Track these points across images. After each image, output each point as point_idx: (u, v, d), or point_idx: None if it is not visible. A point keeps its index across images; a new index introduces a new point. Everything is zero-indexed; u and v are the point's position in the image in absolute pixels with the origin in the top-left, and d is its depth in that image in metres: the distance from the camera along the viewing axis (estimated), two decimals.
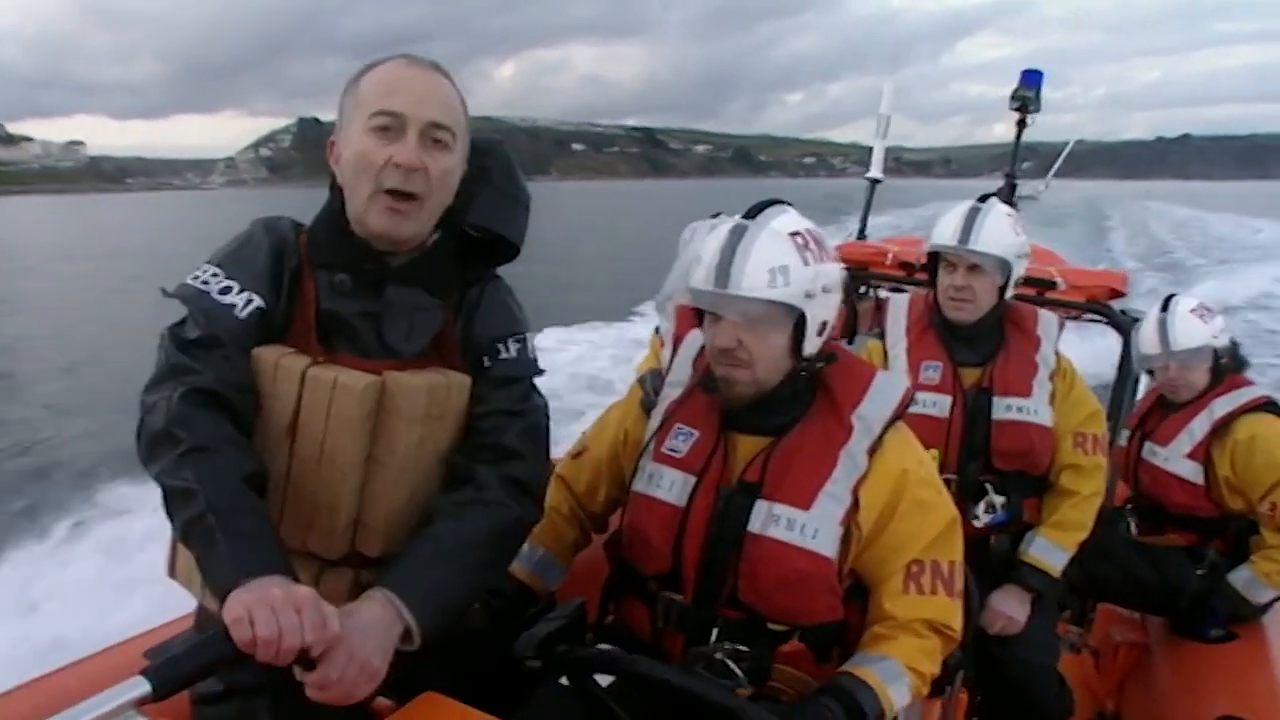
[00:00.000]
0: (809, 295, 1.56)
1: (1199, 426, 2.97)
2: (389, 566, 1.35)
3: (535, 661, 1.70)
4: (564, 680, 1.63)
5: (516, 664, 1.70)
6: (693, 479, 1.66)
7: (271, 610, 1.10)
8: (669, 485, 1.68)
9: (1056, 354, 2.54)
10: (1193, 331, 2.94)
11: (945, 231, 2.49)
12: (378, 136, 1.37)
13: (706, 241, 1.63)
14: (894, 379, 1.76)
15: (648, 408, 1.82)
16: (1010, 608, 2.43)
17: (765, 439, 1.66)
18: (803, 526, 1.58)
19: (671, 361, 1.86)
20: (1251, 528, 2.91)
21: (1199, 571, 2.93)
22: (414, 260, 1.47)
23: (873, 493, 1.61)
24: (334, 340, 1.43)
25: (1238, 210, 44.18)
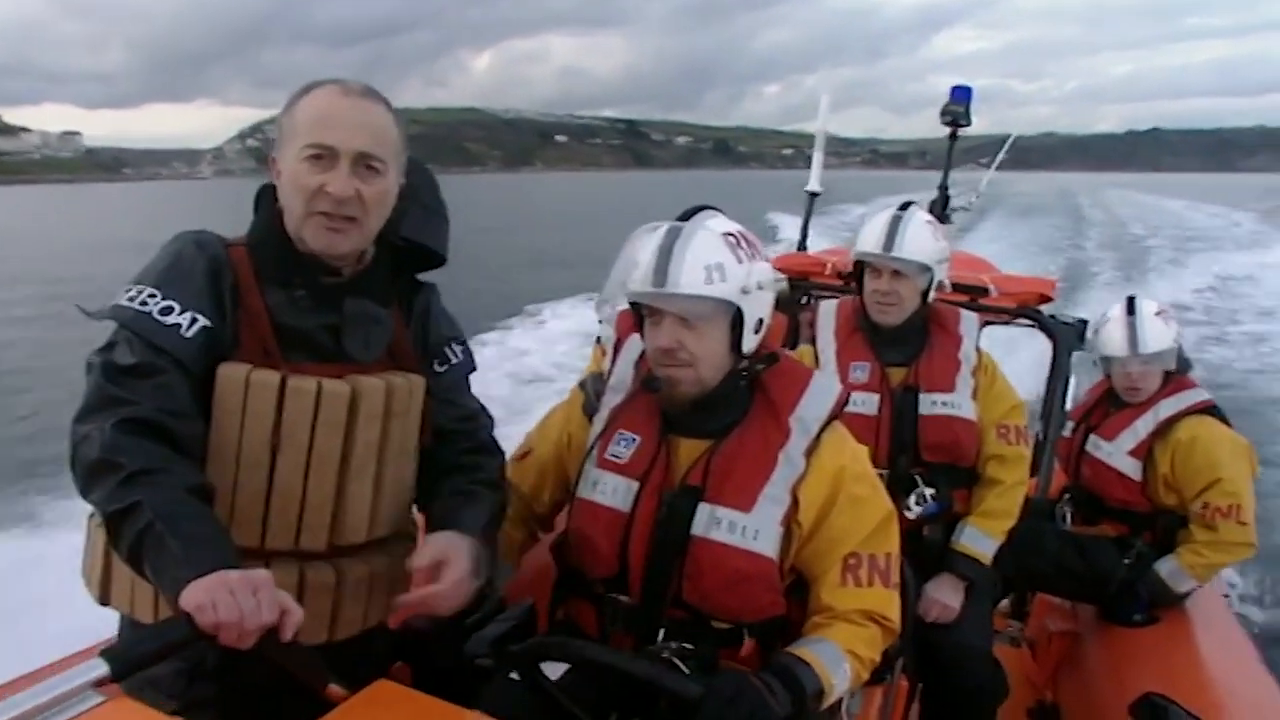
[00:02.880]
0: (745, 291, 1.60)
1: (1144, 426, 3.06)
2: (447, 521, 1.55)
3: (487, 660, 1.69)
4: (514, 675, 1.64)
5: (467, 664, 1.70)
6: (636, 484, 1.69)
7: (231, 594, 1.13)
8: (612, 490, 1.71)
9: (978, 351, 2.63)
10: (1160, 335, 3.02)
11: (869, 239, 2.57)
12: (311, 164, 1.41)
13: (643, 244, 1.66)
14: (830, 381, 1.79)
15: (590, 412, 1.84)
16: (945, 595, 2.51)
17: (706, 442, 1.68)
18: (744, 528, 1.61)
19: (612, 366, 1.87)
20: (1179, 522, 3.01)
21: (1126, 561, 3.02)
22: (362, 274, 1.52)
23: (811, 491, 1.64)
24: (292, 352, 1.45)
25: (1201, 200, 44.85)
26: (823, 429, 1.69)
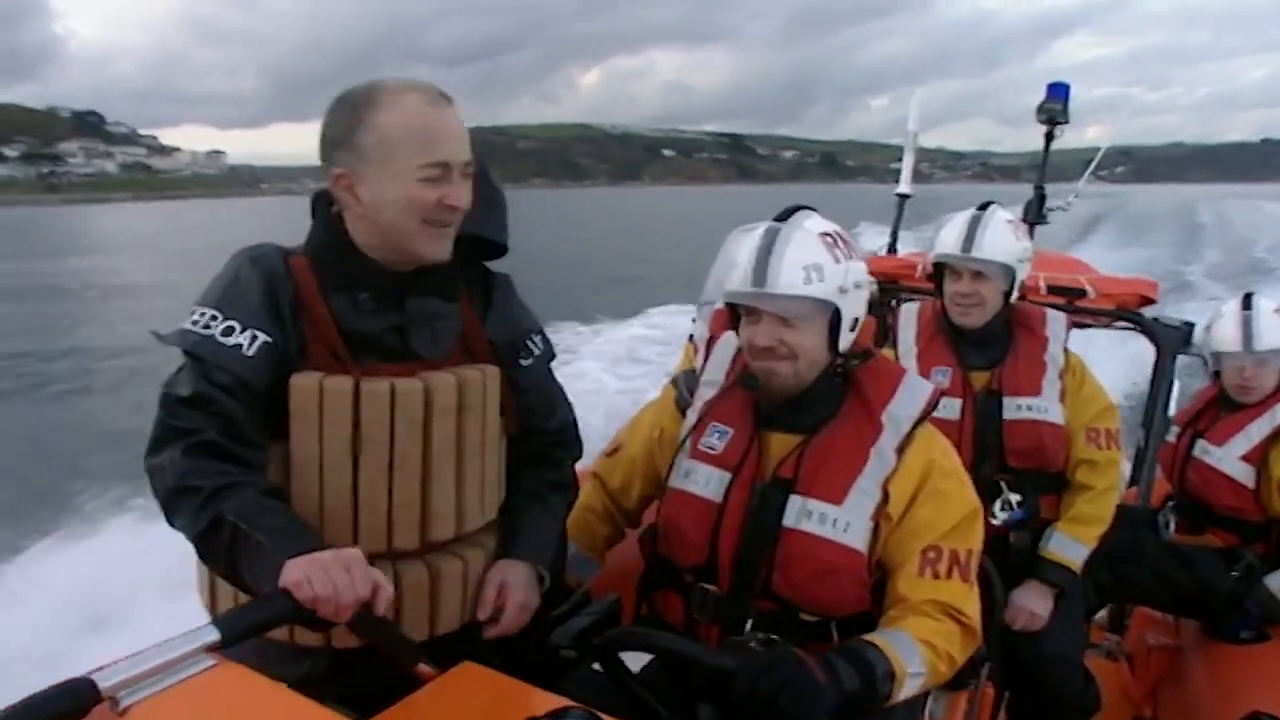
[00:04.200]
0: (842, 290, 1.62)
1: (1258, 429, 2.90)
2: (510, 539, 1.61)
3: (571, 651, 1.71)
4: (595, 666, 1.66)
5: (552, 655, 1.72)
6: (728, 475, 1.70)
7: (324, 570, 1.18)
8: (705, 481, 1.72)
9: (1066, 352, 2.54)
10: (1276, 331, 2.88)
11: (948, 241, 2.51)
12: (427, 184, 1.40)
13: (740, 245, 1.68)
14: (923, 380, 1.80)
15: (683, 407, 1.87)
16: (1033, 603, 2.42)
17: (798, 437, 1.69)
18: (835, 521, 1.62)
19: (705, 363, 1.90)
20: None
21: (1234, 573, 2.85)
22: (423, 273, 1.50)
23: (901, 486, 1.64)
24: (362, 355, 1.46)
25: None
26: (915, 426, 1.69)
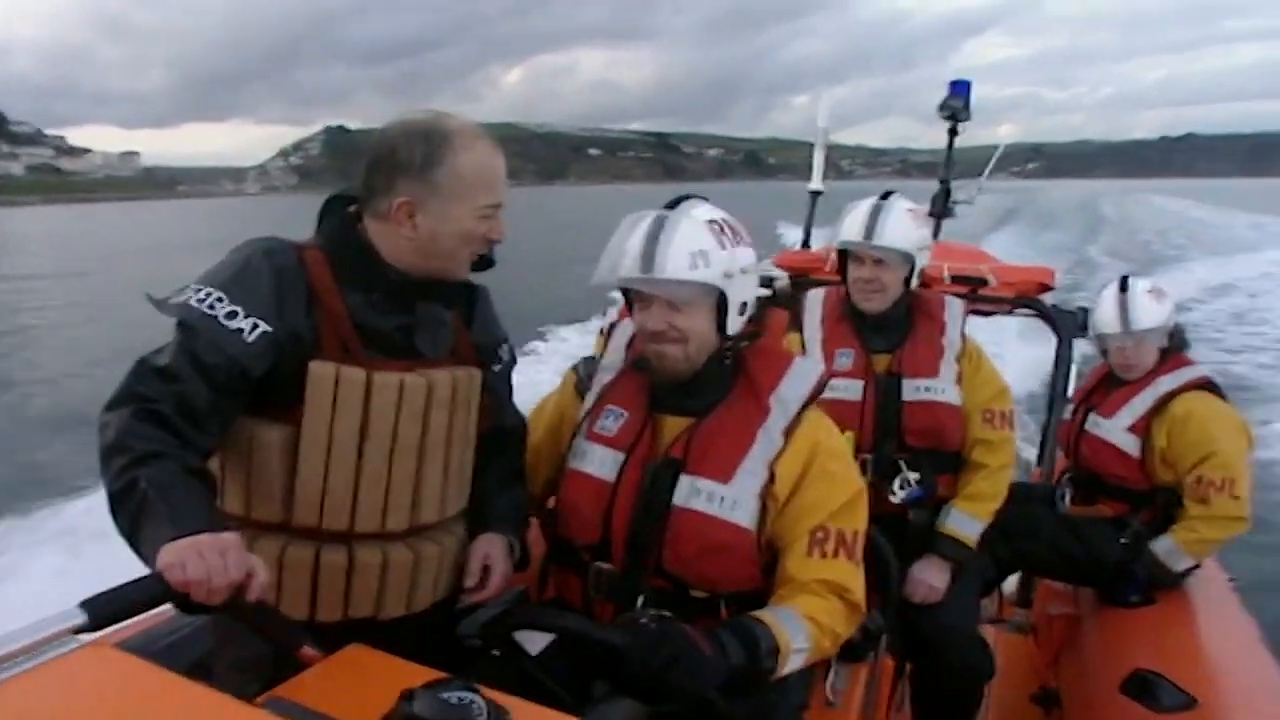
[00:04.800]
0: (728, 275, 1.65)
1: (1142, 402, 3.03)
2: (485, 516, 1.75)
3: (476, 641, 1.72)
4: (495, 652, 1.67)
5: (456, 645, 1.73)
6: (622, 455, 1.74)
7: (199, 554, 1.19)
8: (599, 461, 1.75)
9: (963, 336, 2.61)
10: (1151, 312, 3.00)
11: (851, 229, 2.56)
12: (482, 220, 1.56)
13: (630, 231, 1.70)
14: (811, 364, 1.83)
15: (581, 391, 1.89)
16: (931, 577, 2.48)
17: (689, 419, 1.73)
18: (722, 499, 1.65)
19: (605, 348, 1.93)
20: (1176, 500, 2.96)
21: (1122, 541, 2.97)
22: (434, 282, 1.61)
23: (787, 466, 1.68)
24: (369, 349, 1.55)
25: (1239, 207, 44.33)
26: (803, 409, 1.72)
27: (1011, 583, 3.63)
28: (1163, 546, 2.93)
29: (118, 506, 1.30)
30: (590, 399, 1.85)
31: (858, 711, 2.01)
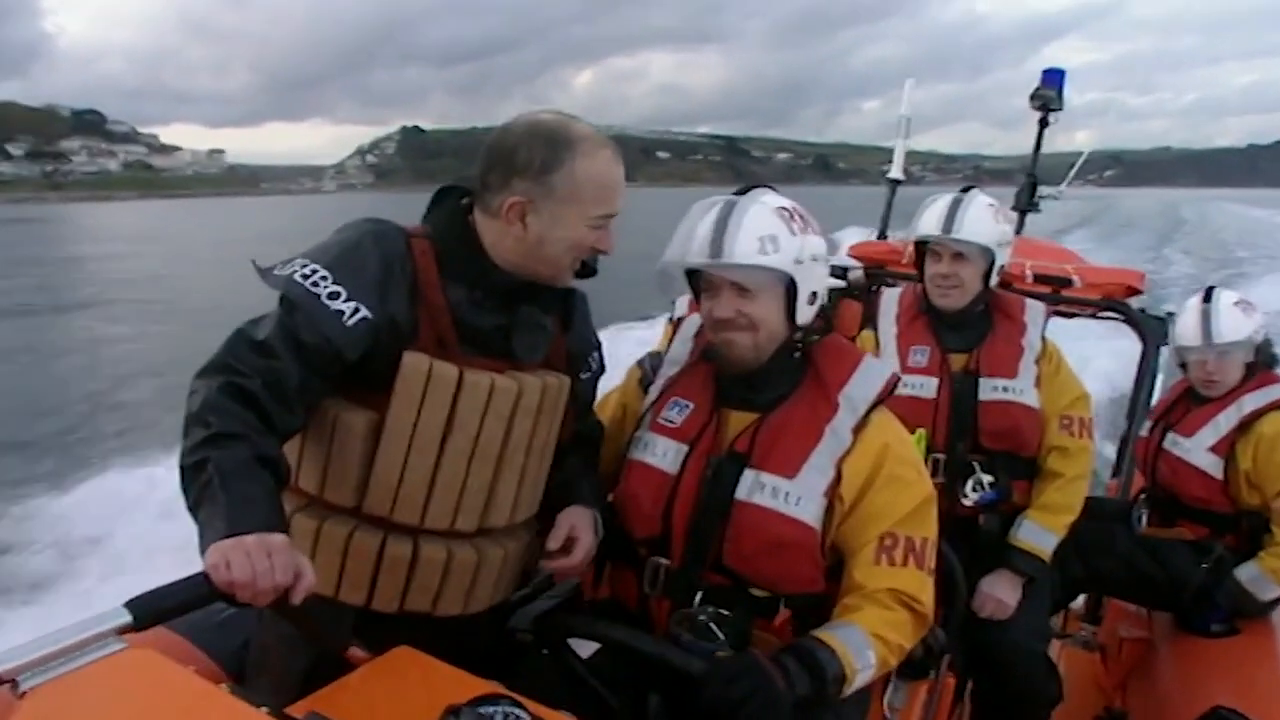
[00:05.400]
0: (798, 262, 1.62)
1: (1226, 421, 2.87)
2: (570, 495, 1.71)
3: (528, 635, 1.73)
4: (544, 651, 1.67)
5: (509, 638, 1.74)
6: (685, 448, 1.70)
7: (246, 555, 1.17)
8: (663, 453, 1.72)
9: (1043, 339, 2.52)
10: (1236, 325, 2.85)
11: (930, 222, 2.49)
12: (592, 230, 1.53)
13: (699, 217, 1.68)
14: (881, 363, 1.79)
15: (645, 385, 1.87)
16: (1000, 591, 2.39)
17: (756, 413, 1.69)
18: (786, 494, 1.61)
19: (671, 341, 1.91)
20: (1263, 525, 2.80)
21: (1204, 566, 2.81)
22: (536, 286, 1.58)
23: (855, 467, 1.63)
24: (465, 345, 1.52)
25: None
26: (871, 409, 1.68)
27: (1080, 597, 3.50)
28: (1248, 573, 2.78)
29: (186, 482, 1.29)
30: (655, 391, 1.83)
31: None
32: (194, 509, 1.27)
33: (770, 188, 1.75)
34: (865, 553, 1.63)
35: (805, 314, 1.68)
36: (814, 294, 1.68)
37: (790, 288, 1.64)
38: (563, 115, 1.54)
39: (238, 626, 1.84)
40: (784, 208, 1.67)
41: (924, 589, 1.65)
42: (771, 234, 1.61)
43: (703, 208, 1.69)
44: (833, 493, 1.62)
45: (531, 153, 1.48)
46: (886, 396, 1.70)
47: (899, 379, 1.75)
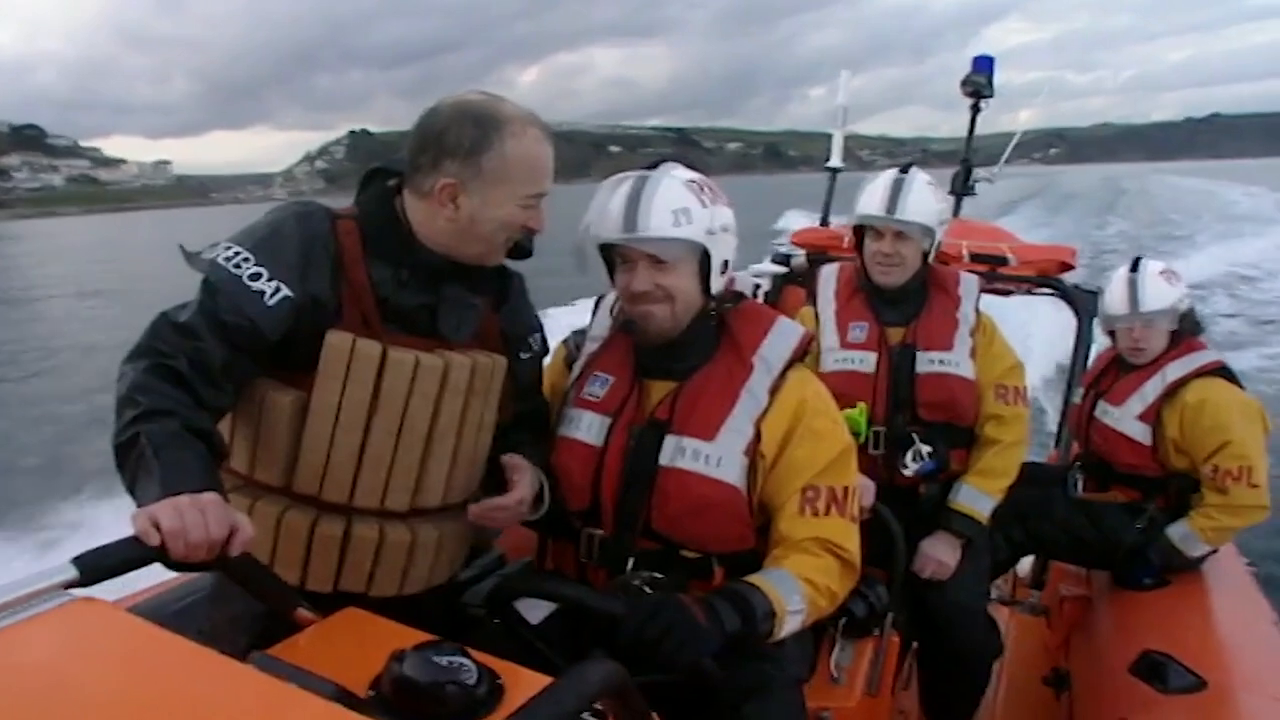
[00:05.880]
0: (710, 232, 1.65)
1: (1151, 389, 2.95)
2: (523, 453, 1.69)
3: (479, 610, 1.75)
4: (496, 621, 1.67)
5: (453, 622, 1.73)
6: (609, 419, 1.73)
7: (176, 510, 1.16)
8: (587, 427, 1.75)
9: (977, 311, 2.58)
10: (1161, 293, 2.92)
11: (872, 202, 2.52)
12: (523, 209, 1.54)
13: (611, 193, 1.69)
14: (793, 324, 1.81)
15: (570, 362, 1.89)
16: (941, 553, 2.46)
17: (675, 382, 1.73)
18: (707, 456, 1.64)
19: (593, 318, 1.93)
20: (1192, 486, 2.90)
21: (1138, 526, 2.91)
22: (463, 265, 1.59)
23: (773, 424, 1.67)
24: (390, 324, 1.53)
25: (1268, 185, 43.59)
26: (787, 368, 1.72)
27: (1026, 564, 3.60)
28: (1178, 532, 2.88)
29: (121, 460, 1.30)
30: (578, 368, 1.86)
31: (862, 688, 1.99)
32: (131, 487, 1.28)
33: (676, 161, 1.78)
34: (789, 506, 1.67)
35: (718, 282, 1.71)
36: (725, 262, 1.71)
37: (704, 258, 1.67)
38: (490, 95, 1.55)
39: (200, 613, 1.86)
40: (693, 180, 1.69)
41: (848, 536, 1.69)
42: (684, 206, 1.64)
43: (614, 183, 1.70)
44: (753, 451, 1.66)
45: (461, 134, 1.49)
46: (801, 355, 1.75)
47: (811, 337, 1.80)
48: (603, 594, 1.60)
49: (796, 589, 1.60)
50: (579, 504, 1.74)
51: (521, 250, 1.68)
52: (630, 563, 1.68)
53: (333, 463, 1.50)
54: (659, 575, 1.65)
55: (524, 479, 1.63)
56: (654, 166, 1.73)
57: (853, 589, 2.06)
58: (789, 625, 1.58)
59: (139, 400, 1.30)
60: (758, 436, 1.66)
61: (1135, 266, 3.00)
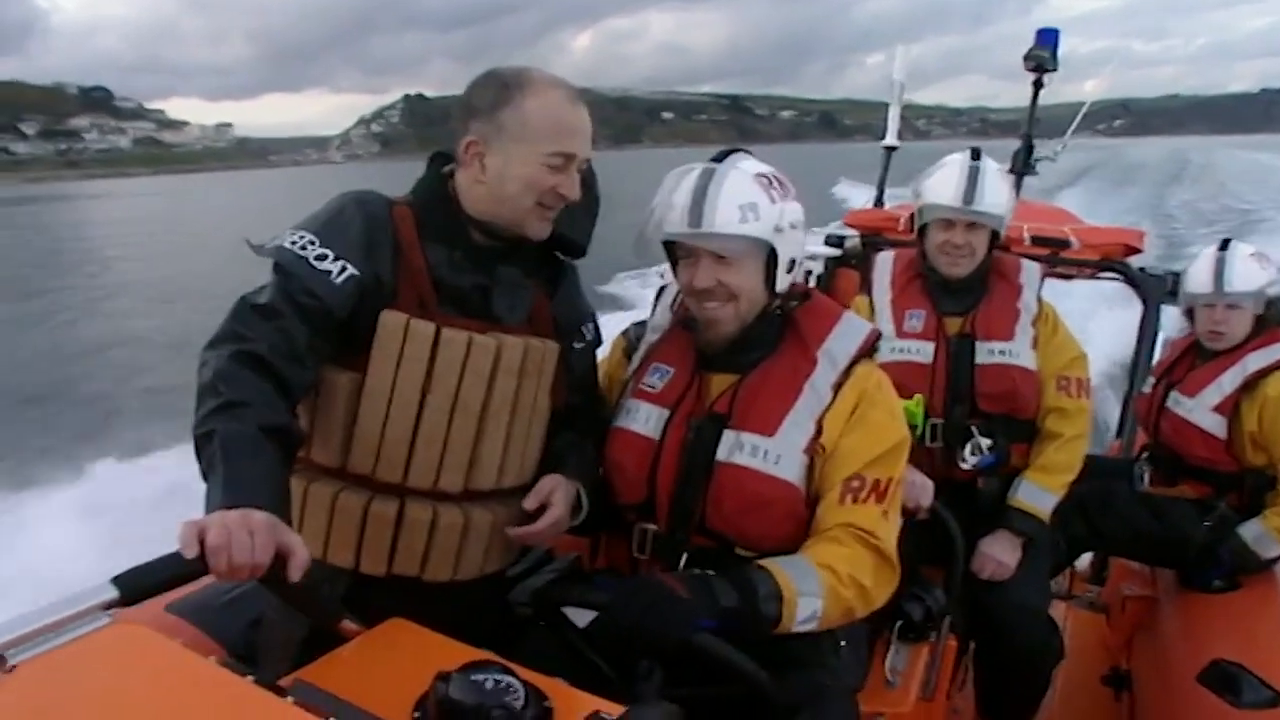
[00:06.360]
0: (778, 230, 1.60)
1: (1230, 380, 2.79)
2: (557, 463, 1.68)
3: (526, 610, 1.73)
4: (543, 623, 1.65)
5: (506, 619, 1.74)
6: (667, 412, 1.69)
7: (225, 526, 1.15)
8: (644, 419, 1.71)
9: (1039, 300, 2.49)
10: (1249, 275, 2.76)
11: (945, 192, 2.43)
12: (549, 169, 1.52)
13: (677, 186, 1.64)
14: (861, 320, 1.75)
15: (629, 353, 1.86)
16: (1000, 552, 2.37)
17: (736, 375, 1.68)
18: (766, 453, 1.59)
19: (654, 309, 1.88)
20: (1268, 483, 2.75)
21: (1206, 523, 2.77)
22: (515, 245, 1.60)
23: (834, 421, 1.62)
24: (445, 305, 1.54)
25: None
26: (853, 363, 1.66)
27: (1085, 559, 3.49)
28: (1251, 532, 2.73)
29: (199, 451, 1.30)
30: (637, 359, 1.82)
31: (917, 693, 1.93)
32: (205, 478, 1.28)
33: (748, 152, 1.71)
34: (831, 495, 1.60)
35: (784, 281, 1.66)
36: (793, 261, 1.66)
37: (770, 256, 1.62)
38: (525, 66, 1.57)
39: (245, 607, 1.85)
40: (763, 174, 1.64)
41: (879, 523, 1.59)
42: (752, 202, 1.58)
43: (678, 175, 1.65)
44: (813, 448, 1.61)
45: (485, 93, 1.52)
46: (868, 351, 1.69)
47: (879, 334, 1.74)
48: (593, 587, 1.59)
49: (811, 573, 1.53)
50: (633, 497, 1.70)
51: (571, 246, 1.65)
52: (684, 559, 1.63)
53: (387, 441, 1.50)
54: (711, 573, 1.58)
55: (557, 506, 1.61)
56: (721, 158, 1.67)
57: (909, 592, 1.98)
58: (803, 609, 1.51)
59: (220, 390, 1.31)
60: (818, 432, 1.61)
61: (1225, 246, 2.84)
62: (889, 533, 1.61)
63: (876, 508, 1.60)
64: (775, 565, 1.53)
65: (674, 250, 1.69)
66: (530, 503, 1.61)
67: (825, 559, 1.55)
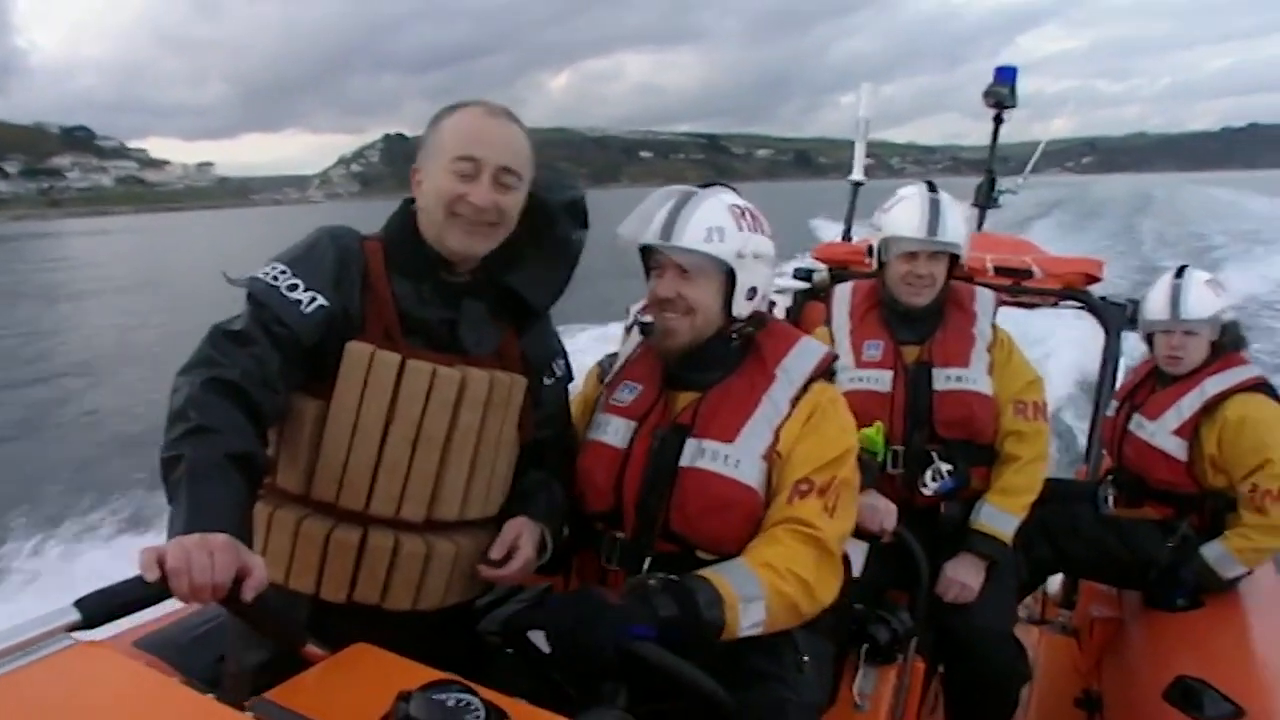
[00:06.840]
0: (740, 256, 1.69)
1: (1189, 404, 2.84)
2: (523, 508, 1.67)
3: (495, 638, 1.73)
4: (509, 650, 1.64)
5: (471, 649, 1.73)
6: (635, 424, 1.76)
7: (183, 549, 1.14)
8: (614, 431, 1.78)
9: (994, 327, 2.53)
10: (1204, 301, 2.83)
11: (910, 224, 2.47)
12: (457, 177, 1.53)
13: (660, 202, 1.75)
14: (818, 343, 1.82)
15: (603, 379, 1.92)
16: (964, 575, 2.39)
17: (699, 392, 1.75)
18: (726, 457, 1.66)
19: (624, 342, 1.95)
20: (1228, 504, 2.80)
21: (1169, 544, 2.82)
22: (481, 280, 1.64)
23: (790, 430, 1.69)
24: (411, 337, 1.56)
25: None
26: (809, 381, 1.73)
27: (1055, 583, 3.50)
28: (1213, 552, 2.77)
29: (165, 474, 1.30)
30: (609, 378, 1.89)
31: (886, 715, 1.93)
32: (170, 502, 1.28)
33: (731, 187, 1.81)
34: (780, 498, 1.65)
35: (742, 307, 1.73)
36: (753, 289, 1.73)
37: (730, 278, 1.70)
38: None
39: (212, 643, 1.83)
40: (737, 205, 1.73)
41: (819, 516, 1.62)
42: (719, 225, 1.68)
43: (665, 194, 1.76)
44: (770, 455, 1.67)
45: (427, 129, 1.59)
46: (824, 370, 1.76)
47: (836, 356, 1.82)
48: (537, 610, 1.60)
49: (749, 576, 1.55)
50: (601, 506, 1.75)
51: (529, 306, 1.68)
52: (647, 564, 1.68)
53: (350, 469, 1.51)
54: (674, 577, 1.60)
55: (525, 549, 1.63)
56: (707, 187, 1.77)
57: (875, 615, 1.99)
58: (749, 613, 1.52)
59: (190, 415, 1.31)
60: (776, 440, 1.67)
61: (1180, 273, 2.90)
62: (831, 526, 1.63)
63: (818, 501, 1.63)
64: (713, 572, 1.55)
65: (648, 260, 1.77)
66: (497, 552, 1.61)
67: (762, 558, 1.58)
